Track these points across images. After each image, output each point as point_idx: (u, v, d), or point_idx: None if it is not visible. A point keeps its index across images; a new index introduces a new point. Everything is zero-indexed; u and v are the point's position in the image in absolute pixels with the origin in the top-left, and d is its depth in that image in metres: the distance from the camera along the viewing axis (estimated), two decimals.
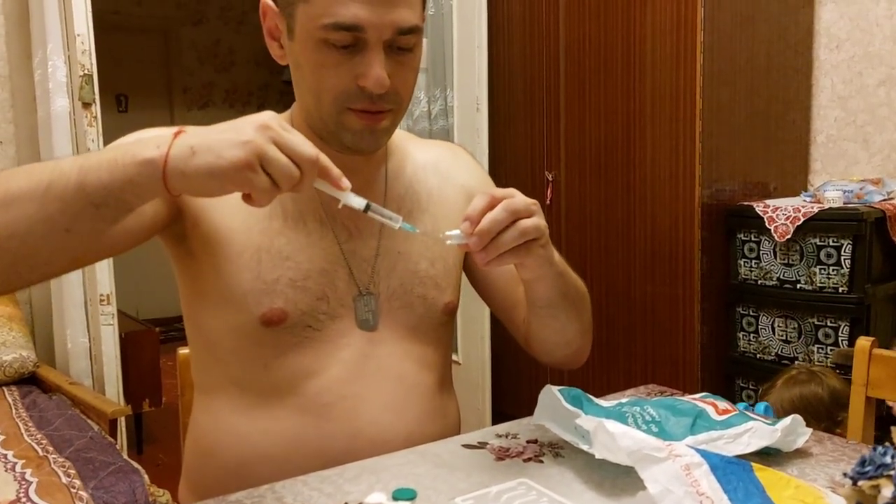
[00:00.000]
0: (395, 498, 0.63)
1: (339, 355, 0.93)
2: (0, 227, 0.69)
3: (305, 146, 0.70)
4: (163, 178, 0.68)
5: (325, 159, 0.73)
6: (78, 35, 2.32)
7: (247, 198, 0.72)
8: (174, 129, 0.72)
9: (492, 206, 0.78)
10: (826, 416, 1.65)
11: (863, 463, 0.48)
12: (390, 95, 0.87)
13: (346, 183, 0.75)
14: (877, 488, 0.47)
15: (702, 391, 0.99)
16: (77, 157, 0.72)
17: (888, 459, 0.48)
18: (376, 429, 0.92)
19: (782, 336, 2.14)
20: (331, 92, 0.86)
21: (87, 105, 2.33)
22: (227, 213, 0.91)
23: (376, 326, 0.95)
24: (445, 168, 1.05)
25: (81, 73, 2.33)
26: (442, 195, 1.03)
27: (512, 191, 0.81)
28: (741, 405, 0.93)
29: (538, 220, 0.81)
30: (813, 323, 2.06)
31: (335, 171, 0.74)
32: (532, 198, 0.83)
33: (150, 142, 0.69)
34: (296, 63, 0.89)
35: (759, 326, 2.20)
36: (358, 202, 0.76)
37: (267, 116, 0.71)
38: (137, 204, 0.73)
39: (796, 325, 2.10)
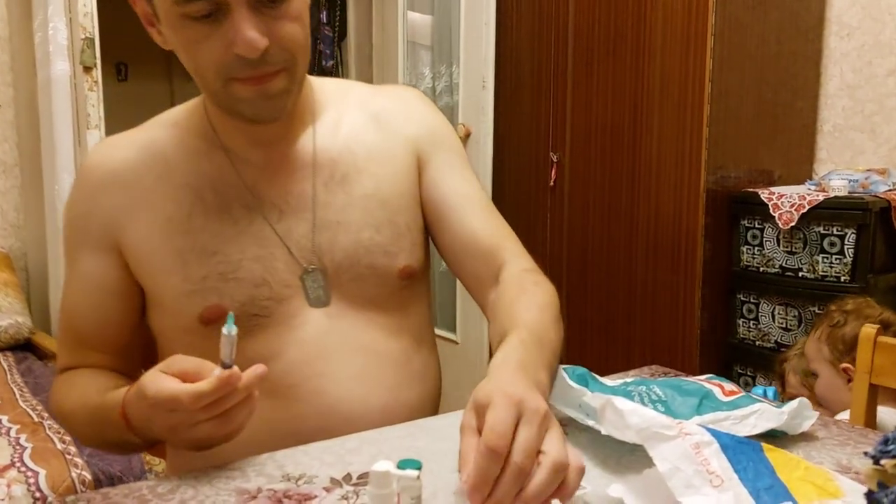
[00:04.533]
0: (401, 467, 0.63)
1: (296, 336, 0.89)
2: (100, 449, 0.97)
3: (188, 404, 0.70)
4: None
5: (219, 382, 0.70)
6: None
7: None
8: (119, 412, 0.79)
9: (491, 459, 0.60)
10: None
11: (886, 441, 0.47)
12: (275, 54, 0.79)
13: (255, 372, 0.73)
14: None
15: (701, 376, 0.98)
16: (94, 422, 0.86)
17: None
18: (348, 404, 0.89)
19: (782, 324, 2.14)
20: (209, 67, 0.80)
21: (87, 69, 2.30)
22: (150, 227, 0.89)
23: (328, 302, 0.91)
24: (389, 119, 0.97)
25: (83, 37, 2.31)
26: (384, 151, 0.95)
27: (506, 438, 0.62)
28: (757, 389, 0.92)
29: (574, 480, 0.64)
30: (814, 311, 2.05)
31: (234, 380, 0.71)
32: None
33: (128, 433, 0.80)
34: (172, 44, 0.83)
35: (760, 314, 2.19)
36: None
37: (153, 410, 0.73)
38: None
39: (797, 314, 2.10)
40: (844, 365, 1.60)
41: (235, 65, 0.79)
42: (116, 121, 3.30)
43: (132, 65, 4.83)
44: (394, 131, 0.97)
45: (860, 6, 2.39)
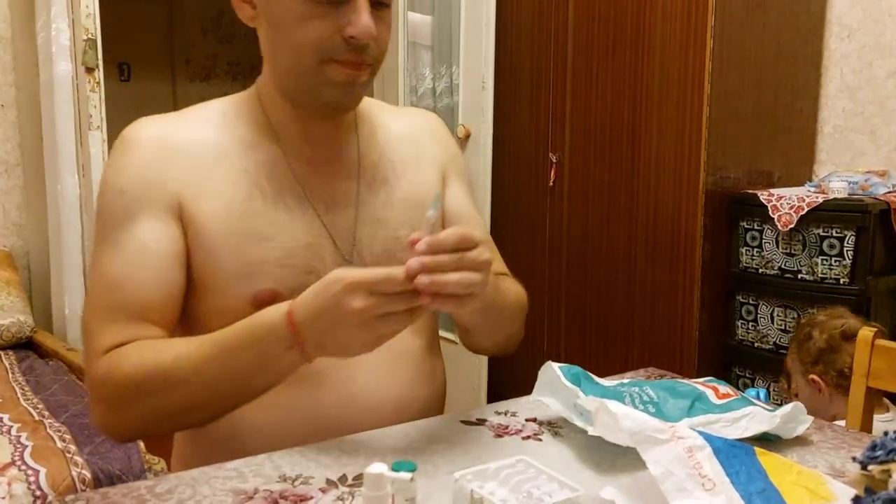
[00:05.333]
0: (394, 470, 0.63)
1: None
2: (172, 422, 0.87)
3: (390, 286, 0.73)
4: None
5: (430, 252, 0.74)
6: None
7: None
8: (285, 313, 0.78)
9: (456, 246, 0.76)
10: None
11: (873, 447, 0.47)
12: (372, 49, 0.88)
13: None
14: (887, 473, 0.46)
15: (699, 378, 0.99)
16: (219, 356, 0.82)
17: None
18: (368, 394, 0.93)
19: (781, 325, 2.14)
20: (312, 44, 0.85)
21: (90, 70, 2.31)
22: (209, 205, 0.90)
23: None
24: (419, 136, 1.06)
25: (85, 38, 2.31)
26: (417, 163, 1.03)
27: (479, 236, 0.79)
28: (750, 391, 0.93)
29: (486, 277, 0.78)
30: (813, 314, 2.06)
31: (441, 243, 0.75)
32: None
33: (280, 346, 0.79)
34: (273, 20, 0.88)
35: (759, 315, 2.19)
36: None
37: (347, 292, 0.74)
38: None
39: (796, 316, 2.10)
40: (811, 376, 1.61)
41: (340, 47, 0.85)
42: (119, 120, 3.30)
43: (134, 65, 4.84)
44: (424, 148, 1.05)
45: (860, 7, 2.39)
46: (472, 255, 0.76)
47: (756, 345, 2.20)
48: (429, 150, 1.05)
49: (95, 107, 2.36)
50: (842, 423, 1.28)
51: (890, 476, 0.46)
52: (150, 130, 0.93)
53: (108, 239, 0.90)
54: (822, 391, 1.61)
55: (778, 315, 2.14)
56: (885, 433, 0.49)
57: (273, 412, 0.90)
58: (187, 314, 0.95)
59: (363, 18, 0.84)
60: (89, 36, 2.32)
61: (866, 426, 1.17)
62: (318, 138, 0.96)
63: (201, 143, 0.93)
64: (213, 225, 0.90)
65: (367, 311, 0.73)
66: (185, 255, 0.90)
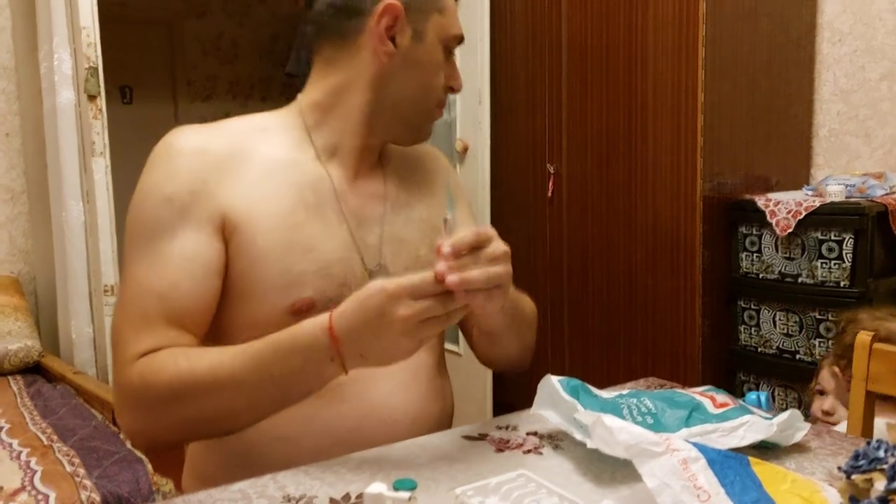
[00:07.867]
0: (395, 488, 0.65)
1: None
2: (207, 428, 0.87)
3: (430, 289, 0.77)
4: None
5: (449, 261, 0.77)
6: (83, 28, 2.33)
7: None
8: (325, 327, 0.80)
9: (474, 244, 0.79)
10: None
11: (857, 457, 0.49)
12: None
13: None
14: (870, 482, 0.48)
15: (703, 384, 1.00)
16: (258, 367, 0.83)
17: (881, 454, 0.49)
18: (386, 408, 0.95)
19: (783, 330, 2.14)
20: (439, 89, 1.01)
21: (92, 97, 2.34)
22: (256, 215, 0.92)
23: None
24: (430, 165, 1.14)
25: (87, 66, 2.34)
26: (430, 189, 1.11)
27: (493, 232, 0.83)
28: (750, 395, 0.93)
29: (508, 268, 0.82)
30: (814, 317, 2.06)
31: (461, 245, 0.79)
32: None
33: (320, 358, 0.81)
34: (413, 63, 0.98)
35: (761, 320, 2.20)
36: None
37: (391, 301, 0.76)
38: None
39: (797, 319, 2.11)
40: (834, 367, 1.64)
41: (443, 95, 1.02)
42: (122, 143, 3.33)
43: (137, 88, 4.89)
44: (434, 175, 1.13)
45: (851, 12, 2.41)
46: (490, 250, 0.80)
47: (759, 349, 2.21)
48: (437, 177, 1.13)
49: (98, 134, 2.38)
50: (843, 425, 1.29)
51: (872, 485, 0.47)
52: (194, 139, 0.94)
53: (149, 247, 0.90)
54: (840, 381, 1.65)
55: (780, 319, 2.15)
56: (868, 442, 0.50)
57: (290, 424, 0.91)
58: (216, 325, 0.96)
59: (458, 73, 1.02)
60: (91, 65, 2.35)
61: (867, 432, 1.17)
62: (362, 159, 1.02)
63: (247, 156, 0.95)
64: (260, 234, 0.92)
65: (413, 317, 0.76)
66: (223, 265, 0.92)
